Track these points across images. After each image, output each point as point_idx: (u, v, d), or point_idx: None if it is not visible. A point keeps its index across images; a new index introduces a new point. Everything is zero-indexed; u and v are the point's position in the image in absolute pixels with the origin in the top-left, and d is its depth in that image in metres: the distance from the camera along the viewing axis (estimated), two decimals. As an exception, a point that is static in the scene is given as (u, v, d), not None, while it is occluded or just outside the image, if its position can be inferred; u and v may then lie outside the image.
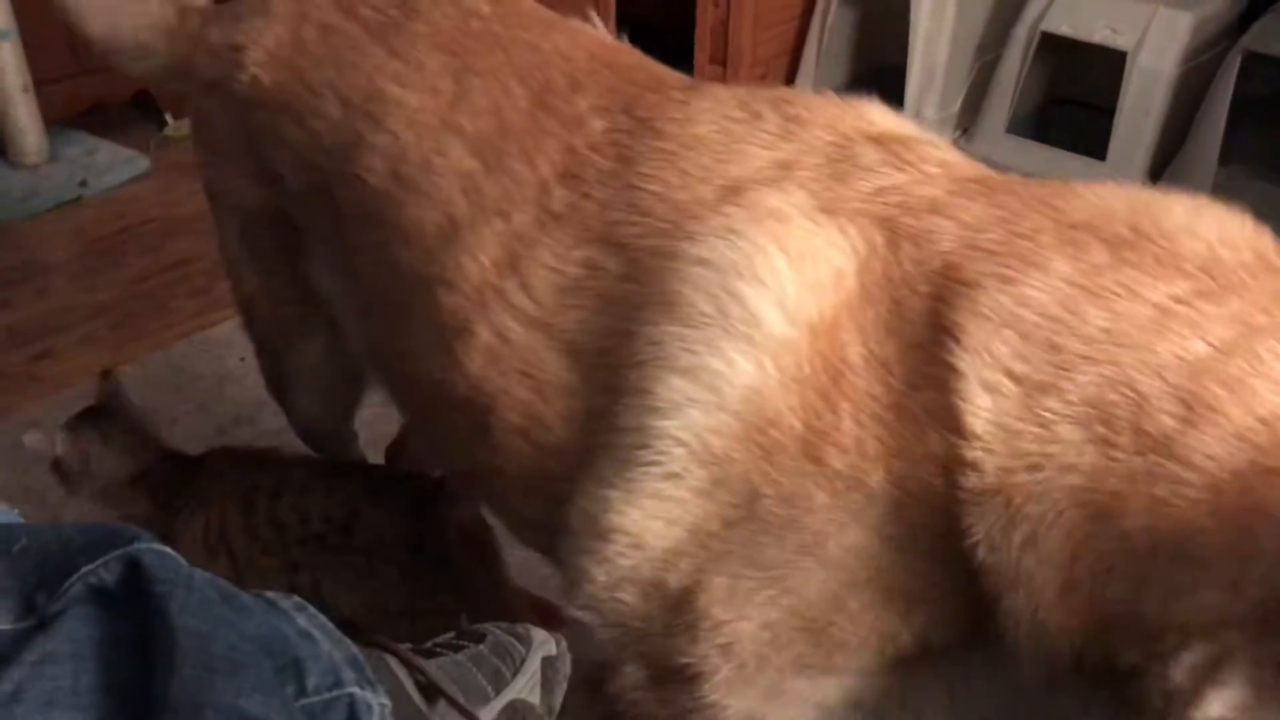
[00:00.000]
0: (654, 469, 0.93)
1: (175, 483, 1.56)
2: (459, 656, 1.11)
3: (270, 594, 0.89)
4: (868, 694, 0.89)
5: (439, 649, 1.13)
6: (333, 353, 1.46)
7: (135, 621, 0.77)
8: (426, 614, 1.40)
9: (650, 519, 0.94)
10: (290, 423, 1.66)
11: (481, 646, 1.13)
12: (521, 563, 1.87)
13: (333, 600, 1.37)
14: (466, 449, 1.13)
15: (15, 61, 2.92)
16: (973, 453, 0.79)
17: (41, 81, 3.00)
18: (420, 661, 1.05)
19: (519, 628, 1.19)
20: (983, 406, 0.80)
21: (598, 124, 1.05)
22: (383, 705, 0.89)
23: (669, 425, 0.92)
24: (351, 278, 1.25)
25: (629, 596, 0.96)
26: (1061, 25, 3.15)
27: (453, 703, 1.06)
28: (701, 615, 0.91)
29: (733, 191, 0.95)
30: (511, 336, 1.03)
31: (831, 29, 3.45)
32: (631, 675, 0.99)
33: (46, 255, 2.79)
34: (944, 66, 3.33)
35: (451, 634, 1.19)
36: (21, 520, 0.94)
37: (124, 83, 3.23)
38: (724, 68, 3.26)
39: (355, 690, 0.86)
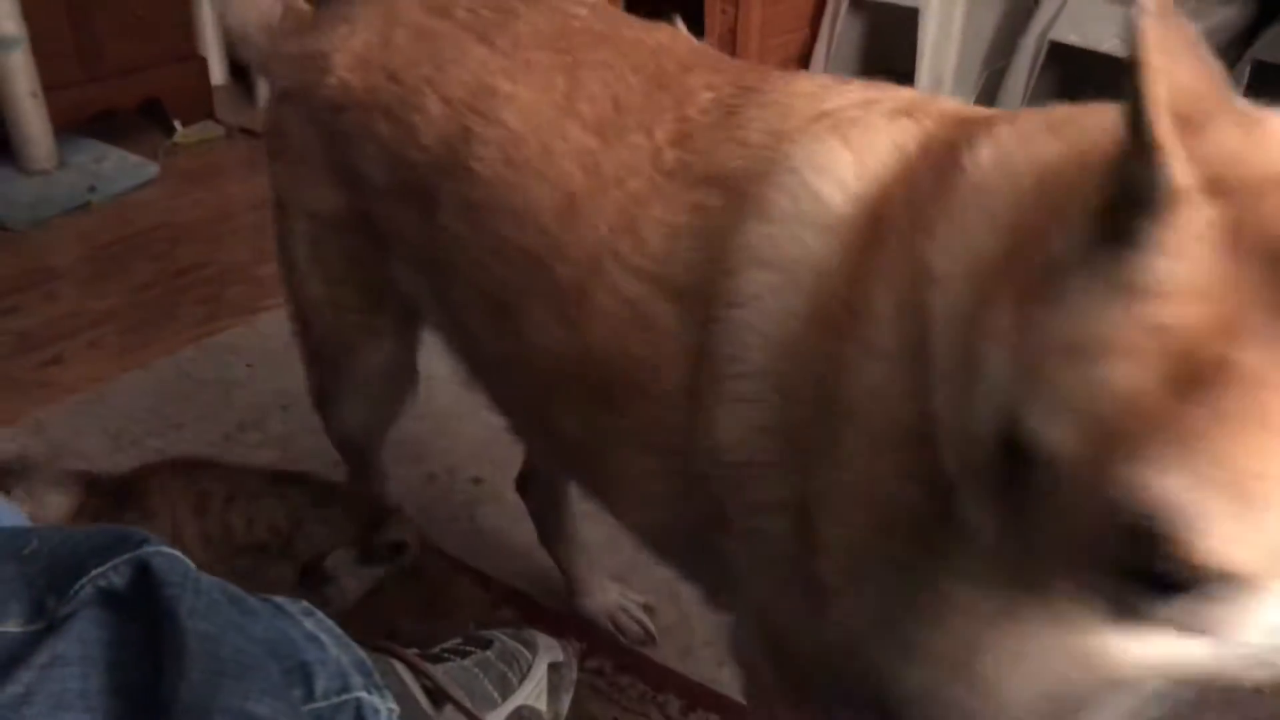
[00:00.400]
0: (738, 366, 1.00)
1: (114, 505, 1.55)
2: (466, 662, 1.11)
3: (278, 598, 0.89)
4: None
5: (446, 654, 1.13)
6: (392, 359, 1.50)
7: (144, 624, 0.77)
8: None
9: (740, 426, 1.00)
10: (330, 430, 1.67)
11: (488, 652, 1.14)
12: (529, 569, 1.87)
13: None
14: (586, 421, 1.17)
15: (25, 69, 2.94)
16: None
17: (51, 88, 3.02)
18: (427, 667, 1.05)
19: (525, 634, 1.19)
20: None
21: (707, 95, 1.11)
22: (391, 710, 0.89)
23: (746, 315, 0.99)
24: (446, 270, 1.28)
25: (762, 522, 1.01)
26: (1070, 34, 3.15)
27: (460, 708, 1.06)
28: (813, 526, 0.95)
29: (823, 116, 1.03)
30: (627, 293, 1.08)
31: (840, 37, 3.46)
32: (779, 613, 1.05)
33: (55, 261, 2.80)
34: (952, 75, 3.33)
35: (458, 640, 1.19)
36: (31, 523, 0.94)
37: (133, 90, 3.25)
38: (731, 76, 3.27)
39: (363, 695, 0.86)
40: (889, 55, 3.52)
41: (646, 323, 1.08)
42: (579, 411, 1.18)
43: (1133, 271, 0.67)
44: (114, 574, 0.78)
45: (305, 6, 1.53)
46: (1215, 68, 0.72)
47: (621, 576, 1.87)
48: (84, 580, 0.78)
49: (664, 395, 1.08)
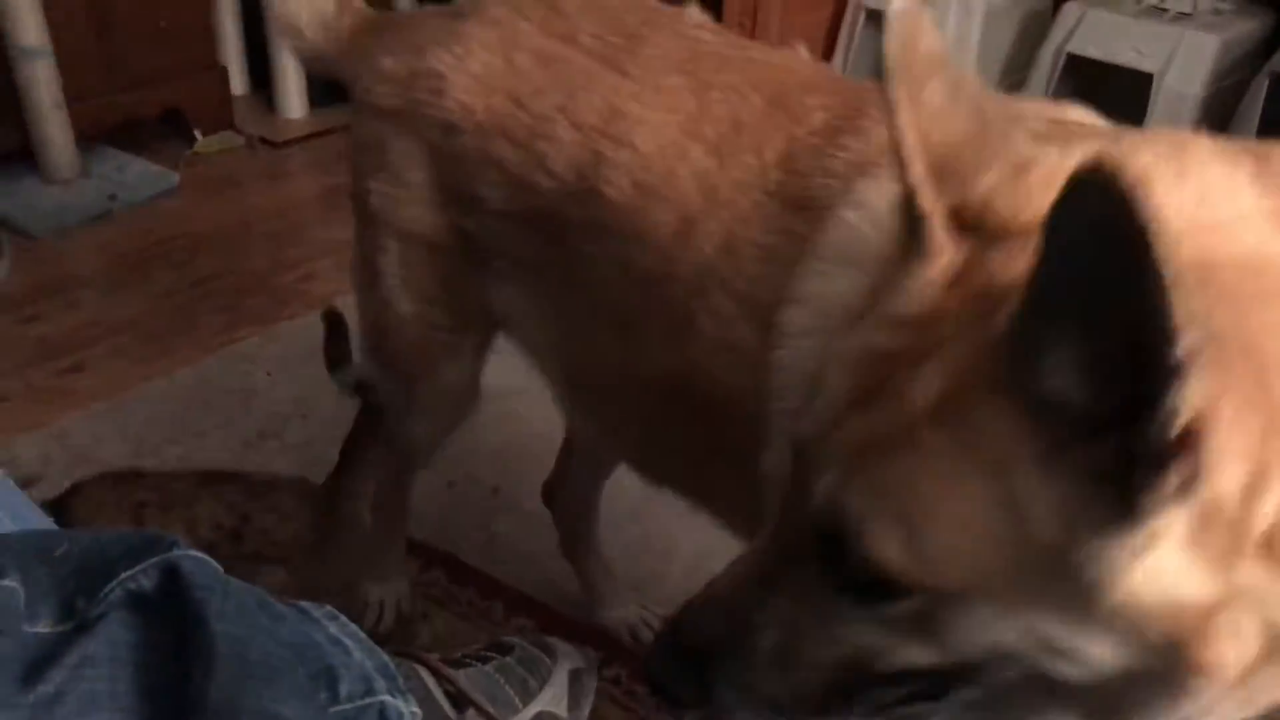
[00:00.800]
0: (780, 404, 1.02)
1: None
2: (487, 668, 1.11)
3: (303, 602, 0.90)
4: None
5: (468, 660, 1.13)
6: (468, 377, 1.53)
7: (173, 626, 0.78)
8: None
9: (780, 463, 1.00)
10: (394, 445, 1.68)
11: (509, 658, 1.14)
12: (547, 579, 1.88)
13: None
14: (689, 437, 1.20)
15: (48, 79, 2.96)
16: None
17: (73, 98, 3.04)
18: (450, 671, 1.06)
19: (547, 640, 1.20)
20: None
21: (820, 115, 1.12)
22: (414, 713, 0.90)
23: (786, 352, 1.02)
24: (567, 290, 1.29)
25: None
26: (1088, 47, 3.15)
27: (482, 712, 1.07)
28: None
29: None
30: (723, 314, 1.10)
31: (858, 50, 3.47)
32: None
33: (76, 270, 2.82)
34: (968, 88, 3.33)
35: (481, 645, 1.19)
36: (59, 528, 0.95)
37: (154, 100, 3.28)
38: (748, 88, 3.27)
39: (387, 698, 0.87)
40: (906, 68, 3.51)
41: (735, 345, 1.10)
42: (683, 428, 1.20)
43: (881, 304, 0.78)
44: (143, 576, 0.79)
45: (361, 4, 1.54)
46: (994, 115, 0.81)
47: (639, 587, 1.88)
48: (113, 582, 0.79)
49: (744, 421, 1.08)
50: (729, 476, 1.18)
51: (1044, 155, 0.77)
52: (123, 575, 0.78)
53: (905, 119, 0.75)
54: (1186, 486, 0.63)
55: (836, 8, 3.46)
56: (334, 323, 1.67)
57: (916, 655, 0.75)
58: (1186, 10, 3.17)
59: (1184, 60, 3.02)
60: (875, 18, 3.48)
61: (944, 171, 0.75)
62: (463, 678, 1.07)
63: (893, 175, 0.96)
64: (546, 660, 1.18)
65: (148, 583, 0.79)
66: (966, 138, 0.77)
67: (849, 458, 0.72)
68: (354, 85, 1.43)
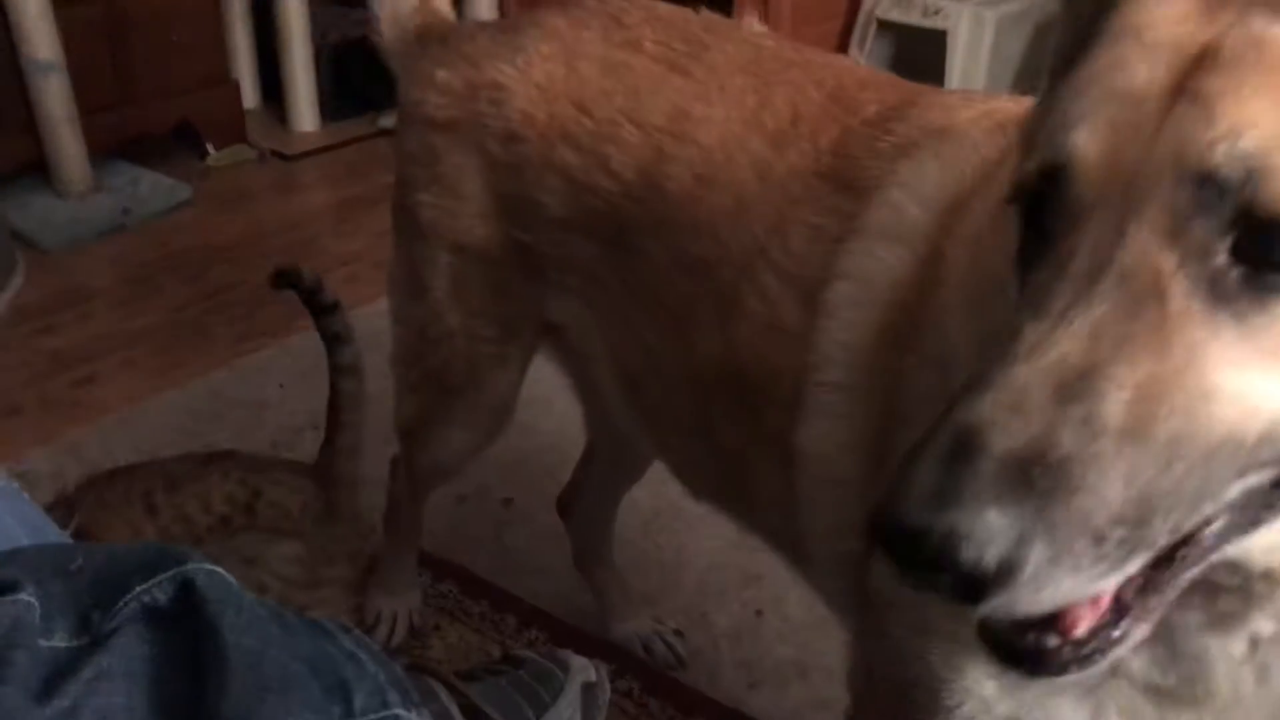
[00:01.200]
0: (822, 377, 1.03)
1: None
2: (500, 681, 1.11)
3: (317, 616, 0.90)
4: None
5: (480, 673, 1.13)
6: (511, 388, 1.53)
7: (187, 640, 0.78)
8: (326, 583, 1.39)
9: (825, 441, 1.03)
10: (418, 458, 1.66)
11: (521, 671, 1.14)
12: (560, 591, 1.88)
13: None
14: (736, 429, 1.20)
15: (62, 93, 2.98)
16: None
17: (87, 112, 3.06)
18: (463, 685, 1.06)
19: (559, 654, 1.19)
20: None
21: (873, 107, 1.15)
22: (426, 727, 0.90)
23: (831, 326, 1.03)
24: (626, 292, 1.30)
25: (851, 544, 1.02)
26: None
27: (494, 726, 1.07)
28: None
29: (942, 130, 1.06)
30: (769, 294, 1.12)
31: (869, 60, 3.47)
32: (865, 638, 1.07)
33: (89, 282, 2.84)
34: (979, 98, 3.33)
35: (493, 659, 1.19)
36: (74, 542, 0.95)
37: (167, 113, 3.30)
38: (759, 99, 3.28)
39: (401, 711, 0.86)
40: (918, 77, 3.52)
41: (779, 324, 1.11)
42: (730, 419, 1.21)
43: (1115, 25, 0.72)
44: (158, 590, 0.79)
45: (447, 15, 1.55)
46: None
47: (651, 599, 1.87)
48: (128, 596, 0.78)
49: (785, 402, 1.09)
50: (764, 470, 1.19)
51: None
52: (137, 589, 0.78)
53: None
54: None
55: (847, 19, 3.46)
56: (291, 280, 1.61)
57: None
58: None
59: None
60: (886, 28, 3.48)
61: None
62: (475, 691, 1.07)
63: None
64: (559, 674, 1.17)
65: (162, 596, 0.79)
66: None
67: (1232, 110, 0.63)
68: (402, 93, 1.44)
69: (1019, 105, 1.07)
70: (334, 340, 1.49)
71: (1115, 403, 0.61)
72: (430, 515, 2.02)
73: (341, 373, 1.52)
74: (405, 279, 1.51)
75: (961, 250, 0.92)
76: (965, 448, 0.60)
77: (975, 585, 0.59)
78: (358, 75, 3.58)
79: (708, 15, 1.37)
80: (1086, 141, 0.67)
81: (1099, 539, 0.59)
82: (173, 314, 2.67)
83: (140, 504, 1.43)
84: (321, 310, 1.48)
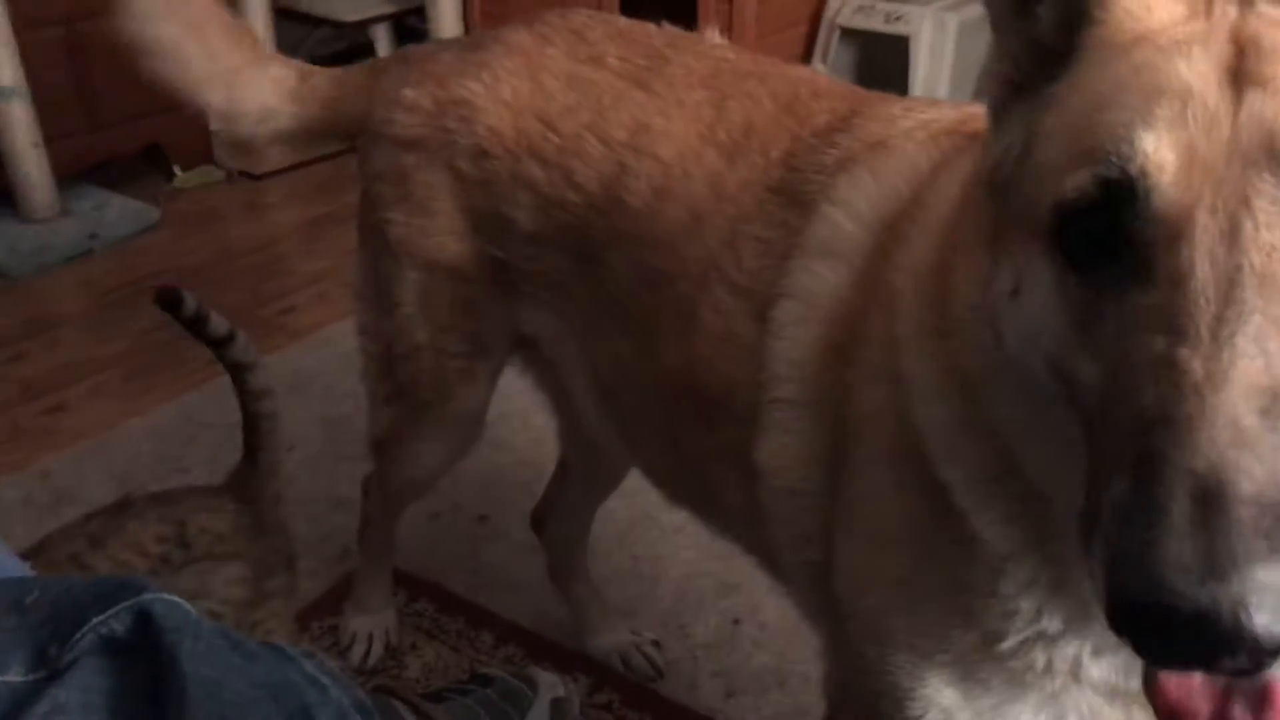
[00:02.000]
0: (775, 393, 1.04)
1: None
2: (468, 700, 1.11)
3: (279, 642, 0.89)
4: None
5: (447, 693, 1.12)
6: (480, 403, 1.53)
7: (146, 671, 0.77)
8: (271, 596, 1.37)
9: (782, 454, 1.04)
10: (392, 474, 1.66)
11: (490, 690, 1.13)
12: (536, 607, 1.87)
13: None
14: (693, 439, 1.21)
15: (25, 119, 2.97)
16: None
17: (51, 137, 3.04)
18: (429, 706, 1.05)
19: (527, 671, 1.19)
20: None
21: (824, 118, 1.16)
22: (393, 751, 0.89)
23: (779, 343, 1.04)
24: (593, 303, 1.31)
25: (810, 554, 1.03)
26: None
27: (463, 747, 1.06)
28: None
29: (880, 143, 1.07)
30: (722, 308, 1.13)
31: (832, 65, 3.48)
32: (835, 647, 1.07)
33: (58, 308, 2.82)
34: (945, 102, 3.35)
35: (461, 678, 1.18)
36: (33, 574, 0.94)
37: (133, 137, 3.28)
38: (726, 108, 3.29)
39: (365, 736, 0.86)
40: (881, 84, 3.53)
41: (733, 338, 1.12)
42: (692, 430, 1.22)
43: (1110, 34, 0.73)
44: (115, 621, 0.78)
45: (313, 68, 1.56)
46: None
47: (628, 611, 1.87)
48: (85, 628, 0.78)
49: (742, 415, 1.10)
50: (728, 480, 1.19)
51: None
52: (94, 621, 0.78)
53: None
54: None
55: (810, 27, 3.48)
56: (171, 304, 1.58)
57: None
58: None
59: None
60: (849, 36, 3.49)
61: None
62: (441, 712, 1.07)
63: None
64: (528, 691, 1.17)
65: (119, 627, 0.78)
66: None
67: None
68: (364, 123, 1.43)
69: (959, 112, 1.07)
70: (237, 369, 1.48)
71: None
72: (405, 533, 2.01)
73: (255, 397, 1.50)
74: (372, 295, 1.51)
75: (905, 278, 0.92)
76: (1212, 501, 0.55)
77: (1270, 652, 0.53)
78: (325, 93, 3.57)
79: (670, 30, 1.38)
80: (1158, 147, 0.65)
81: None
82: (142, 338, 2.65)
83: (71, 566, 1.41)
84: (213, 343, 1.47)
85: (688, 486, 1.35)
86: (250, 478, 1.49)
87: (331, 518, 2.05)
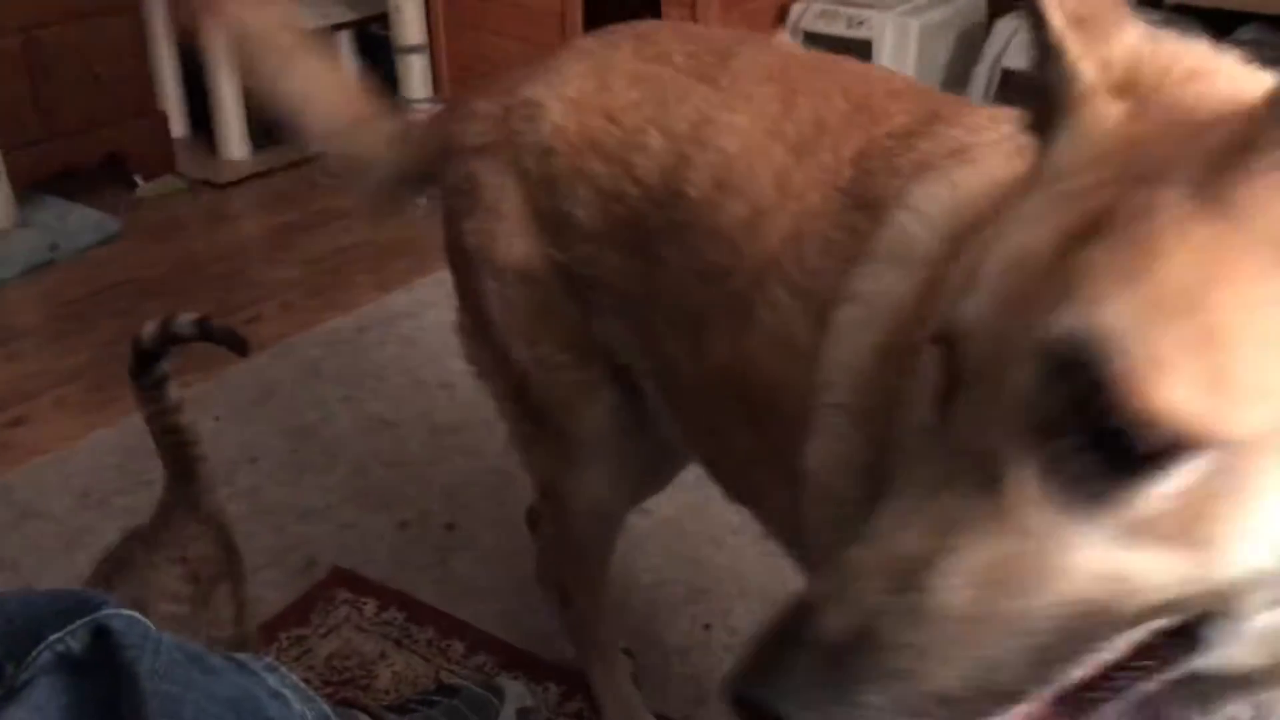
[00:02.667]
0: (827, 398, 1.02)
1: None
2: (433, 712, 1.10)
3: (241, 655, 0.88)
4: None
5: (412, 705, 1.11)
6: (617, 414, 1.44)
7: (104, 687, 0.76)
8: (244, 603, 1.37)
9: (830, 459, 1.02)
10: (572, 507, 1.54)
11: (456, 701, 1.12)
12: (507, 614, 1.86)
13: None
14: (744, 440, 1.19)
15: (-17, 129, 2.93)
16: None
17: (10, 147, 3.01)
18: (394, 718, 1.04)
19: (494, 681, 1.18)
20: None
21: (900, 119, 1.13)
22: (358, 764, 0.88)
23: (834, 347, 1.02)
24: (651, 301, 1.29)
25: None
26: (1022, 62, 3.19)
27: (431, 758, 1.05)
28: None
29: (960, 151, 1.05)
30: (779, 307, 1.10)
31: (796, 72, 3.49)
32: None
33: (18, 321, 2.78)
34: (908, 105, 3.36)
35: (426, 690, 1.18)
36: (-11, 590, 0.93)
37: (93, 147, 3.24)
38: (691, 113, 3.29)
39: (329, 749, 0.85)
40: (847, 87, 3.55)
41: (788, 339, 1.10)
42: (740, 430, 1.20)
43: (1047, 162, 0.72)
44: (71, 639, 0.77)
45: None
46: None
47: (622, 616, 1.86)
48: (42, 646, 0.77)
49: (790, 417, 1.08)
50: (773, 482, 1.18)
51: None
52: (50, 638, 0.77)
53: None
54: None
55: (774, 32, 3.49)
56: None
57: (1170, 573, 0.59)
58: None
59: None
60: (813, 40, 3.51)
61: (1083, 25, 0.74)
62: (409, 724, 1.06)
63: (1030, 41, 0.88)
64: (494, 701, 1.16)
65: (76, 645, 0.77)
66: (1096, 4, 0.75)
67: (1093, 284, 0.60)
68: (444, 149, 1.44)
69: None
70: (160, 383, 1.48)
71: (946, 591, 0.61)
72: (372, 543, 2.01)
73: (177, 408, 1.50)
74: (470, 324, 1.48)
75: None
76: (797, 627, 0.63)
77: None
78: (288, 101, 3.55)
79: (738, 30, 1.38)
80: (970, 313, 0.66)
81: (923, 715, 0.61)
82: (104, 350, 2.62)
83: None
84: (153, 355, 1.46)
85: (739, 487, 1.35)
86: (194, 494, 1.48)
87: (296, 528, 2.04)
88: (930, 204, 1.01)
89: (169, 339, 1.44)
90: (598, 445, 1.46)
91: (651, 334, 1.33)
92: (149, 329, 1.42)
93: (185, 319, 1.43)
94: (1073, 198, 0.66)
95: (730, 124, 1.22)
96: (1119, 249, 0.60)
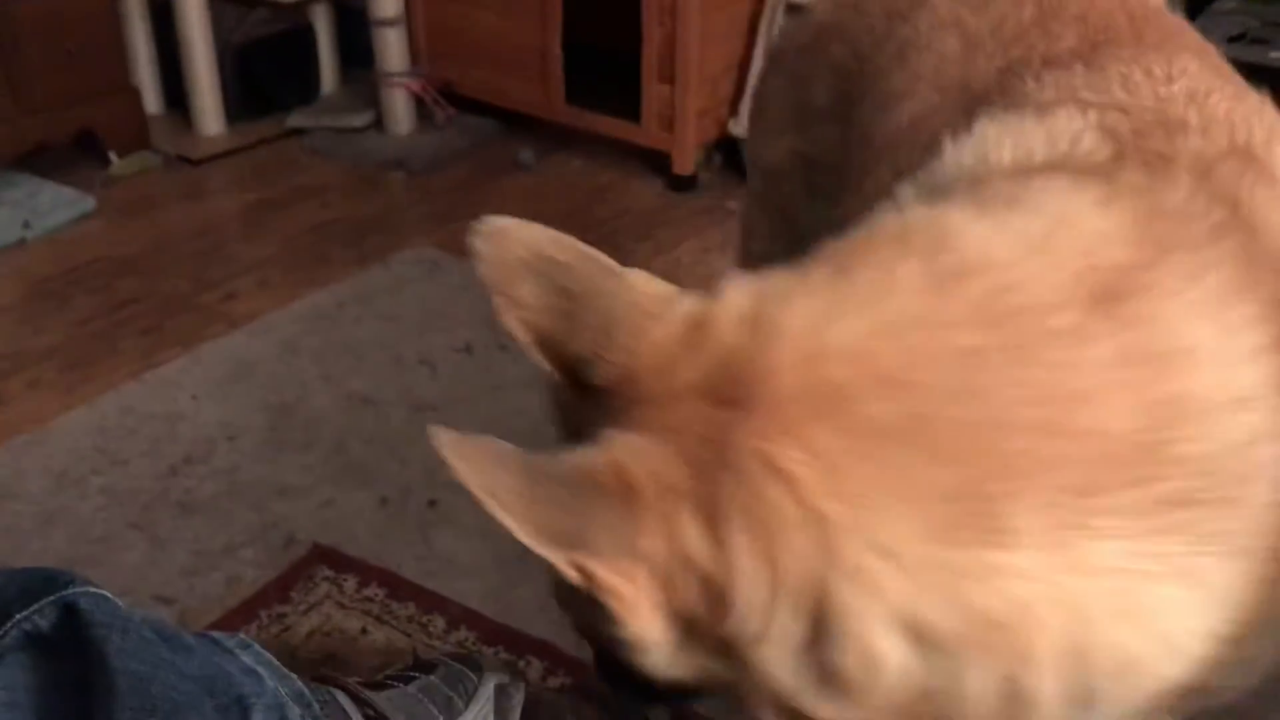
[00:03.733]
0: None
1: None
2: (410, 688, 1.09)
3: (215, 634, 0.87)
4: None
5: (389, 681, 1.11)
6: None
7: (72, 666, 0.75)
8: None
9: None
10: None
11: (433, 676, 1.12)
12: (489, 590, 1.86)
13: None
14: None
15: (-47, 106, 2.89)
16: None
17: (-20, 125, 2.97)
18: (369, 695, 1.04)
19: (471, 656, 1.17)
20: None
21: (1066, 44, 1.10)
22: (333, 740, 0.88)
23: None
24: (848, 177, 1.32)
25: None
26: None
27: (407, 735, 1.05)
28: None
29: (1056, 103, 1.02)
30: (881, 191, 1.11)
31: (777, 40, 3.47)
32: None
33: (-9, 300, 2.75)
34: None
35: (402, 665, 1.17)
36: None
37: (66, 123, 3.20)
38: (672, 86, 3.26)
39: (304, 726, 0.85)
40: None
41: None
42: None
43: None
44: (39, 617, 0.76)
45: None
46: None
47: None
48: (9, 625, 0.76)
49: None
50: None
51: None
52: (18, 616, 0.76)
53: (512, 321, 0.83)
54: None
55: (756, 3, 3.46)
56: None
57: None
58: None
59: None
60: (794, 10, 3.49)
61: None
62: (383, 700, 1.05)
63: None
64: (472, 676, 1.15)
65: (44, 623, 0.76)
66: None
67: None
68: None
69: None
70: None
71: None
72: (352, 520, 2.00)
73: None
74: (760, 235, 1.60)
75: None
76: None
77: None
78: (264, 75, 3.51)
79: None
80: None
81: None
82: (79, 328, 2.59)
83: None
84: None
85: None
86: None
87: (276, 506, 2.03)
88: (985, 136, 0.97)
89: None
90: None
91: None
92: None
93: None
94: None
95: (934, 5, 1.27)
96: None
